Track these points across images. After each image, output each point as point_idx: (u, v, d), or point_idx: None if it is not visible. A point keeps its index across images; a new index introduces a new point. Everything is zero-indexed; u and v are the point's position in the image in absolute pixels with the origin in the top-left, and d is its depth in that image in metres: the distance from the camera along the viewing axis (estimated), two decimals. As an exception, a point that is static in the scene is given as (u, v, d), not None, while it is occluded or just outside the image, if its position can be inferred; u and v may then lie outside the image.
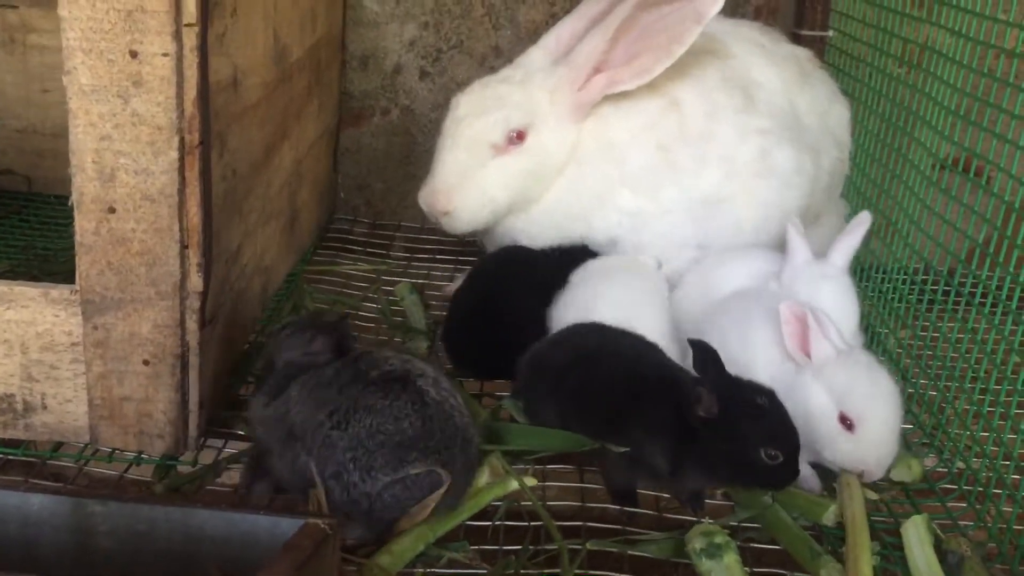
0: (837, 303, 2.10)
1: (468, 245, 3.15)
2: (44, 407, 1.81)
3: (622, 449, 1.77)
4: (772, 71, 2.54)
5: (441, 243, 3.17)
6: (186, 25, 1.58)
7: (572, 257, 2.41)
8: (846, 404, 1.84)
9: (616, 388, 1.84)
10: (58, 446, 1.90)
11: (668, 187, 2.42)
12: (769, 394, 1.77)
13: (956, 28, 2.25)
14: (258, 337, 2.34)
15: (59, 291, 1.75)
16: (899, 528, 1.68)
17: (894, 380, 1.91)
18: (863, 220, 2.21)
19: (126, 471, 1.87)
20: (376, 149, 3.23)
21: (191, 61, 1.61)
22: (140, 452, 1.85)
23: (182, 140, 1.64)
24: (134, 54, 1.58)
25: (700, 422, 1.70)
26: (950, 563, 1.63)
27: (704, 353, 1.76)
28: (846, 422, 1.83)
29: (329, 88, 2.92)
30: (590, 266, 2.34)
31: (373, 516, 1.59)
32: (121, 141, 1.63)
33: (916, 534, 1.62)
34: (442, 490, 1.61)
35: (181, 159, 1.65)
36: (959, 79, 2.26)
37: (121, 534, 1.41)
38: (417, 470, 1.58)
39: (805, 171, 2.48)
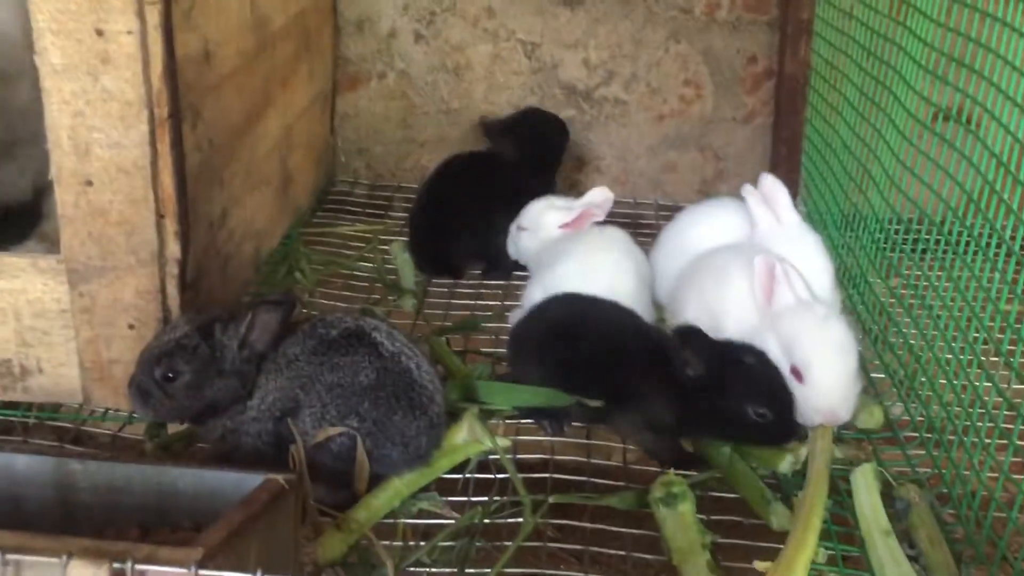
0: (811, 261, 2.15)
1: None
2: (40, 371, 1.91)
3: (595, 403, 1.89)
4: None
5: (438, 203, 3.23)
6: (148, 3, 1.64)
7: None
8: (794, 354, 1.89)
9: (621, 356, 1.93)
10: (57, 407, 2.00)
11: None
12: (759, 355, 1.85)
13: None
14: (252, 298, 2.42)
15: (46, 261, 1.83)
16: (851, 475, 1.73)
17: (850, 331, 1.95)
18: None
19: (120, 430, 1.97)
20: (374, 113, 3.28)
21: (155, 38, 1.67)
22: (132, 412, 1.94)
23: (151, 114, 1.71)
24: (100, 33, 1.64)
25: (691, 383, 1.80)
26: (898, 509, 1.68)
27: (687, 329, 1.87)
28: (795, 373, 1.88)
29: (321, 54, 2.96)
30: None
31: (330, 468, 1.67)
32: (93, 117, 1.70)
33: (864, 482, 1.67)
34: (360, 447, 1.68)
35: (152, 132, 1.72)
36: (941, 29, 2.25)
37: (100, 490, 1.50)
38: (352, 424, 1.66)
39: None
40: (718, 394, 1.80)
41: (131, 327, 1.85)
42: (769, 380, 1.83)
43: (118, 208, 1.76)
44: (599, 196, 2.44)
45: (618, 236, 2.39)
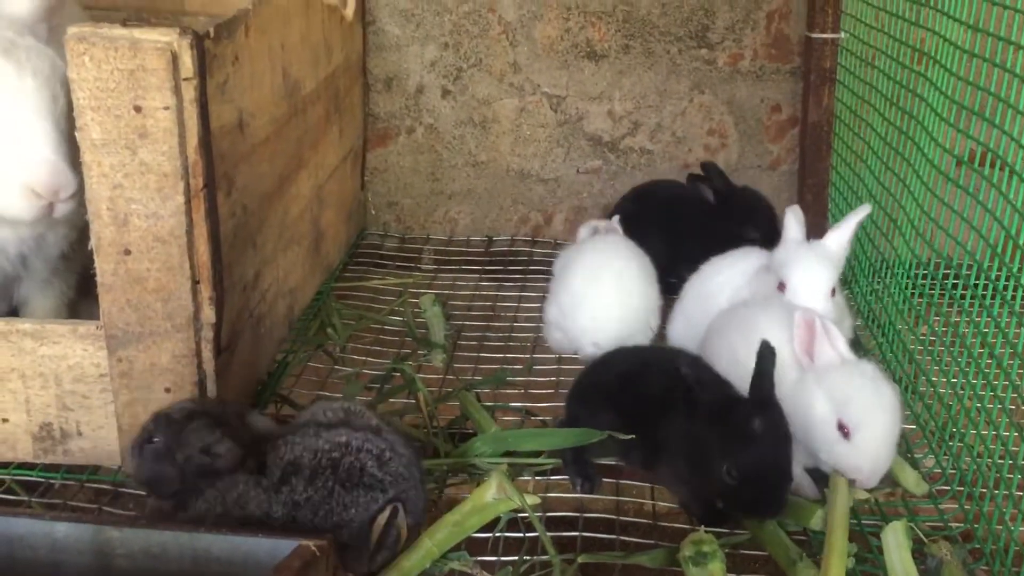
0: (812, 268, 2.23)
1: (494, 255, 3.26)
2: (79, 434, 1.96)
3: (627, 436, 1.92)
4: None
5: (467, 254, 3.28)
6: (184, 79, 1.70)
7: None
8: (845, 412, 1.89)
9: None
10: (96, 469, 2.04)
11: None
12: (772, 420, 1.78)
13: (966, 21, 2.23)
14: (286, 356, 2.46)
15: (86, 327, 1.89)
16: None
17: (896, 392, 1.95)
18: (861, 211, 2.35)
19: (157, 491, 2.00)
20: (403, 167, 3.34)
21: (191, 112, 1.73)
22: (168, 473, 1.97)
23: (187, 185, 1.76)
24: (138, 109, 1.70)
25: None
26: (929, 566, 1.68)
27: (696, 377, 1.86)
28: (843, 429, 1.88)
29: (351, 112, 3.03)
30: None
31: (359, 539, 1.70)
32: (131, 189, 1.75)
33: (895, 539, 1.67)
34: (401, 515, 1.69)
35: (187, 202, 1.77)
36: (970, 74, 2.26)
37: (137, 556, 1.53)
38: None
39: None
40: (700, 445, 1.77)
41: (167, 391, 1.89)
42: (763, 448, 1.75)
43: (155, 276, 1.82)
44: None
45: (617, 239, 2.61)
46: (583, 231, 2.78)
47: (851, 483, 1.85)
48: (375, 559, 1.68)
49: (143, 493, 1.98)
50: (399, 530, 1.69)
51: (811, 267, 2.22)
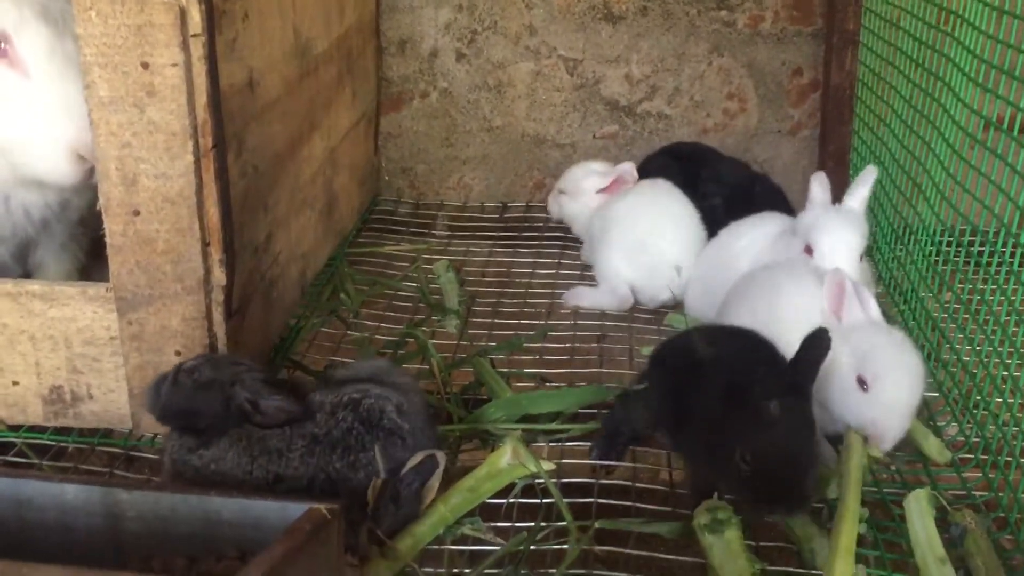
0: (842, 232, 2.18)
1: (508, 221, 3.23)
2: (90, 397, 1.94)
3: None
4: None
5: (481, 220, 3.24)
6: (192, 36, 1.66)
7: None
8: (864, 365, 1.87)
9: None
10: (108, 432, 2.03)
11: None
12: (793, 408, 1.63)
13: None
14: (299, 321, 2.44)
15: (96, 289, 1.86)
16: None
17: (920, 358, 1.91)
18: (870, 172, 2.32)
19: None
20: (417, 132, 3.30)
21: (199, 70, 1.69)
22: (180, 437, 1.95)
23: (196, 144, 1.73)
24: (146, 66, 1.67)
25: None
26: (953, 535, 1.64)
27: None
28: (862, 383, 1.85)
29: (364, 75, 2.98)
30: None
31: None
32: (140, 148, 1.72)
33: (918, 507, 1.64)
34: (440, 469, 1.70)
35: (197, 162, 1.74)
36: (999, 34, 2.19)
37: (147, 519, 1.51)
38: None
39: None
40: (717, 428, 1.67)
41: (178, 353, 1.87)
42: (775, 435, 1.60)
43: (164, 237, 1.79)
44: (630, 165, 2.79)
45: (669, 185, 2.67)
46: (589, 179, 2.81)
47: (866, 441, 1.82)
48: (399, 506, 1.68)
49: (156, 456, 1.98)
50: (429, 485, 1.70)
51: (841, 231, 2.17)
